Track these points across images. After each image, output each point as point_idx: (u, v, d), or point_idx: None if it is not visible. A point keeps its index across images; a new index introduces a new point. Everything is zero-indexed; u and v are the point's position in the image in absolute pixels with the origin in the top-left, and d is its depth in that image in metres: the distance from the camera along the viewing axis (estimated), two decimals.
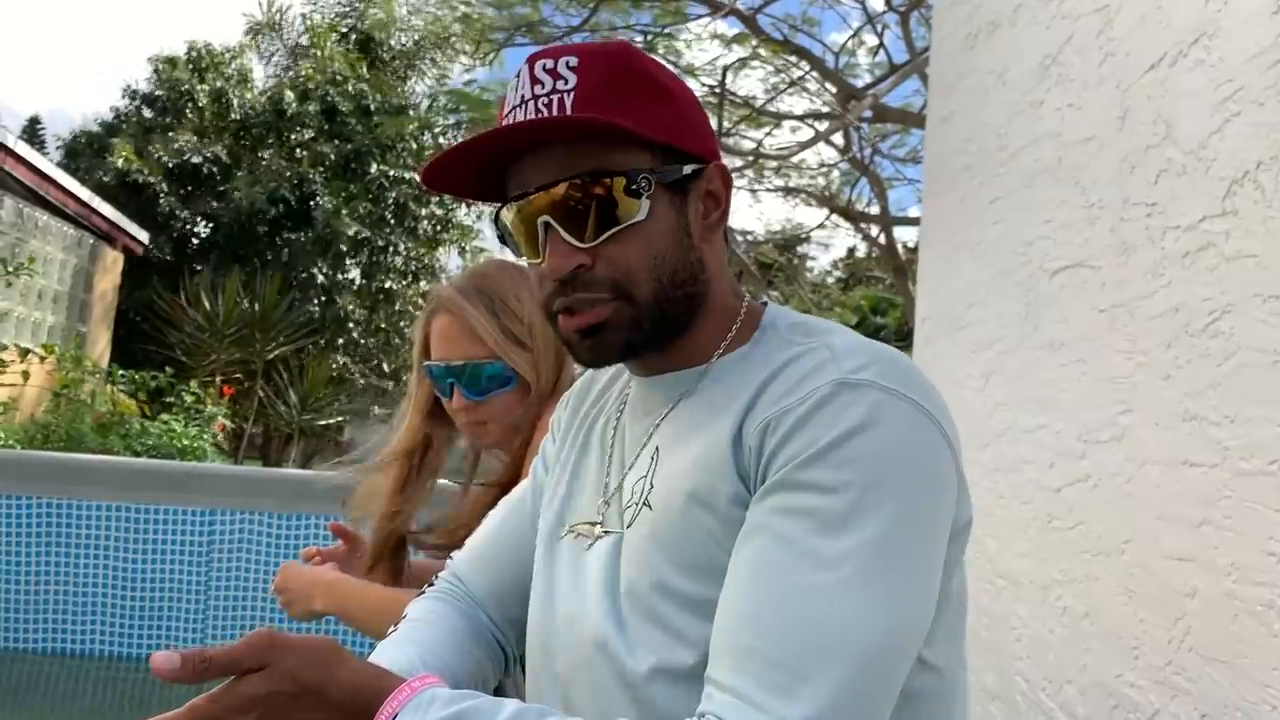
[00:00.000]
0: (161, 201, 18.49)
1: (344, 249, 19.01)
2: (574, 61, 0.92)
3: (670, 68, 1.02)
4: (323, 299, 18.81)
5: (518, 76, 0.94)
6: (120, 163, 17.95)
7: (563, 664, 0.98)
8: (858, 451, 0.81)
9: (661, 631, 0.90)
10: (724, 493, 0.87)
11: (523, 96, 0.93)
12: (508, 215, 0.97)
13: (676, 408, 0.98)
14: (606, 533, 0.99)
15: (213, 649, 0.80)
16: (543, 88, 0.92)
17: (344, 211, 18.53)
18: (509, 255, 1.08)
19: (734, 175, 1.05)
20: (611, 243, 0.92)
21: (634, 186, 0.91)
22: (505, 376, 1.63)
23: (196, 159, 19.05)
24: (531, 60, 0.94)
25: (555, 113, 0.91)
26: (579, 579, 0.99)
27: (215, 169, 19.48)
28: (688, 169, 0.95)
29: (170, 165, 19.11)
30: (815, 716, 0.75)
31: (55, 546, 3.36)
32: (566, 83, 0.91)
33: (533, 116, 0.92)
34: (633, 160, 0.92)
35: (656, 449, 0.97)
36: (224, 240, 19.54)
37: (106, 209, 14.51)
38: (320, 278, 18.80)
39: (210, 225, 19.95)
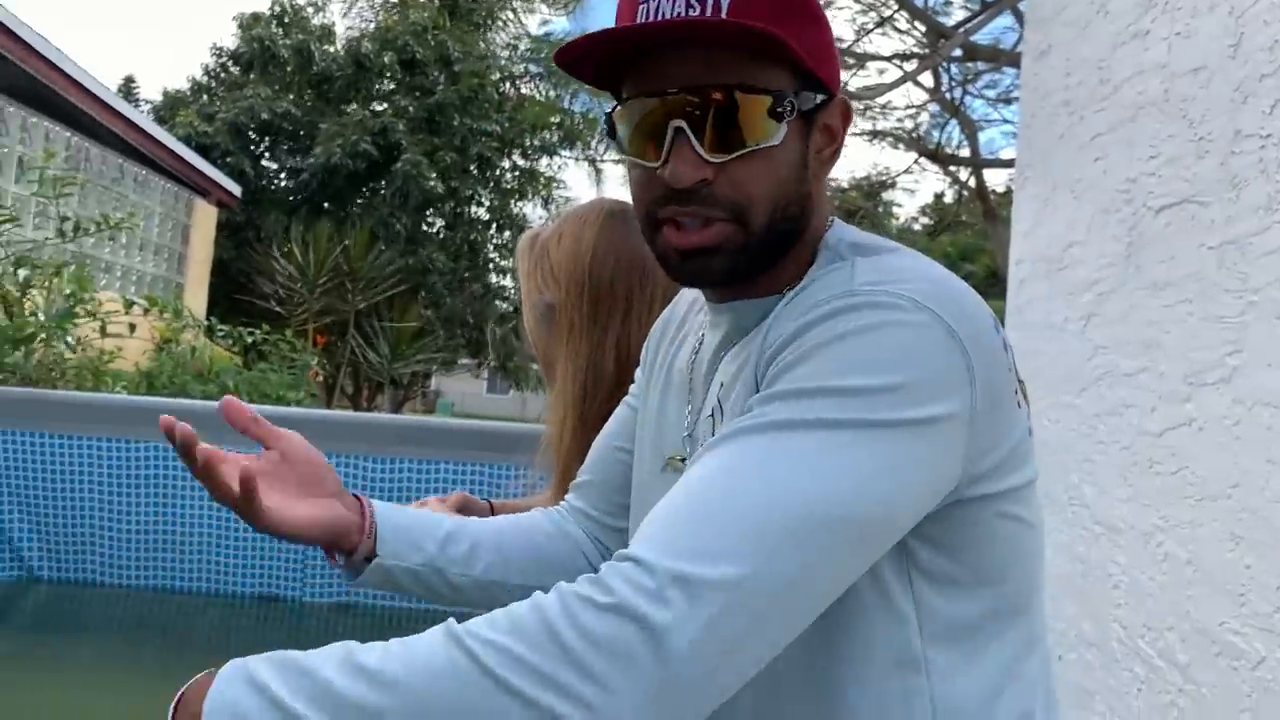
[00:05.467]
0: (231, 160, 18.88)
1: (426, 200, 19.24)
2: None
3: None
4: (408, 250, 19.11)
5: None
6: (179, 131, 18.37)
7: None
8: (842, 353, 0.78)
9: None
10: None
11: None
12: (634, 108, 0.90)
13: (738, 343, 0.95)
14: None
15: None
16: None
17: (426, 164, 18.71)
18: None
19: None
20: (739, 162, 0.86)
21: (779, 109, 0.86)
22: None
23: (266, 115, 19.39)
24: None
25: (710, 16, 0.84)
26: None
27: (288, 125, 19.81)
28: (819, 99, 0.90)
29: (246, 122, 19.50)
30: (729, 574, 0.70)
31: (150, 485, 3.56)
32: None
33: (683, 14, 0.85)
34: (776, 81, 0.86)
35: (721, 385, 0.94)
36: (309, 194, 19.91)
37: (201, 163, 14.88)
38: (399, 228, 19.05)
39: (292, 179, 20.34)
